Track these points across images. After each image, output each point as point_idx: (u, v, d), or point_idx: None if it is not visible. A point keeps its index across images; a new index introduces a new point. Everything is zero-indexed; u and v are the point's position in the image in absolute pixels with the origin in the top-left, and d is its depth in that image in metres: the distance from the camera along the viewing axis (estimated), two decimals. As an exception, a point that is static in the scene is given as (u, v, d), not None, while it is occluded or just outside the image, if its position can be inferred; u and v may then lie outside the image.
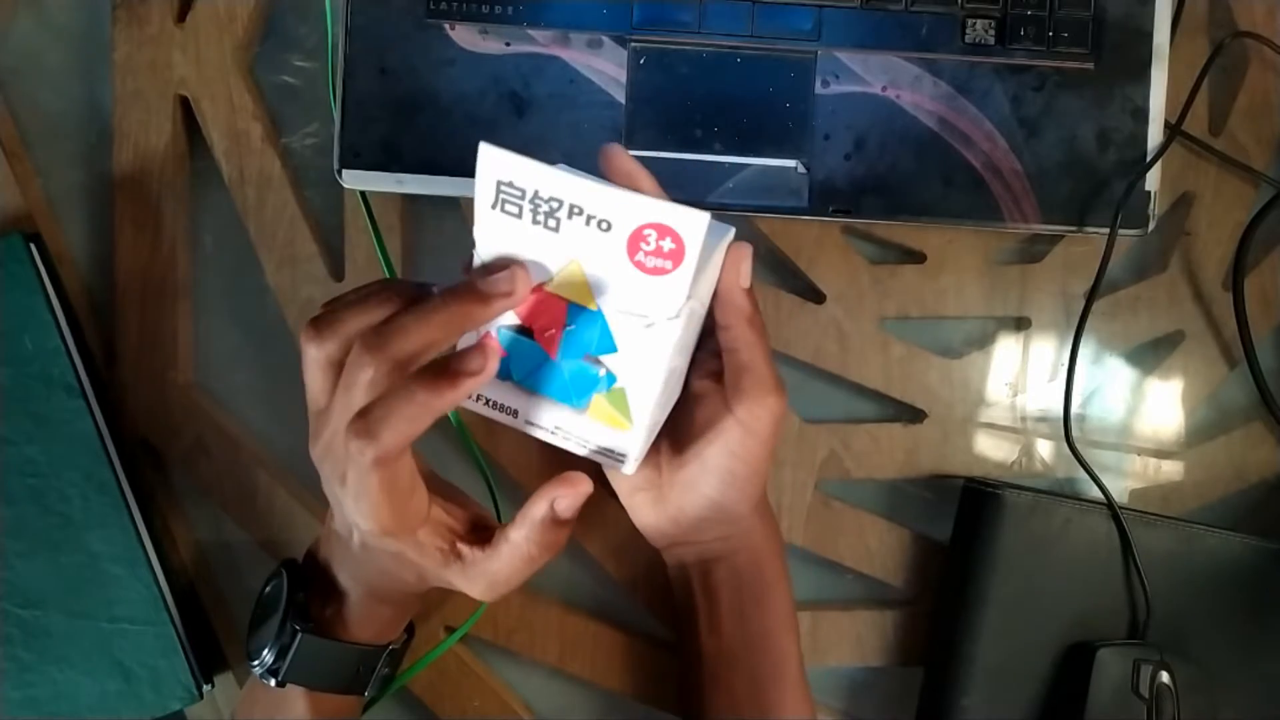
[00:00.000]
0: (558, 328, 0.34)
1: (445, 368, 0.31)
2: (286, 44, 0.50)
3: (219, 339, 0.50)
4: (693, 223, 0.30)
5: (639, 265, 0.31)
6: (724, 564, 0.42)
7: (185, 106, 0.49)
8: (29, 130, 0.50)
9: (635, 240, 0.31)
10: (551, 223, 0.31)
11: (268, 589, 0.41)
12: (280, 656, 0.38)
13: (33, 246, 0.47)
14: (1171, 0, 0.47)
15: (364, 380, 0.31)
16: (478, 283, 0.32)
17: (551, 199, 0.31)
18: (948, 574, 0.47)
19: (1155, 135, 0.47)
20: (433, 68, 0.46)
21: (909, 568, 0.49)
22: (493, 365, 0.31)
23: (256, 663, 0.38)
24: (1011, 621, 0.46)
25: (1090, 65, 0.47)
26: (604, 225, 0.31)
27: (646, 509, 0.41)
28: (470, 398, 0.35)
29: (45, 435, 0.46)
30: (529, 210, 0.31)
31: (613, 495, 0.49)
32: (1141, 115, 0.47)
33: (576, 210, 0.31)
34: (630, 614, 0.50)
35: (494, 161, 0.31)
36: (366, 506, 0.32)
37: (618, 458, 0.36)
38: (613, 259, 0.32)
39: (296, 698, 0.39)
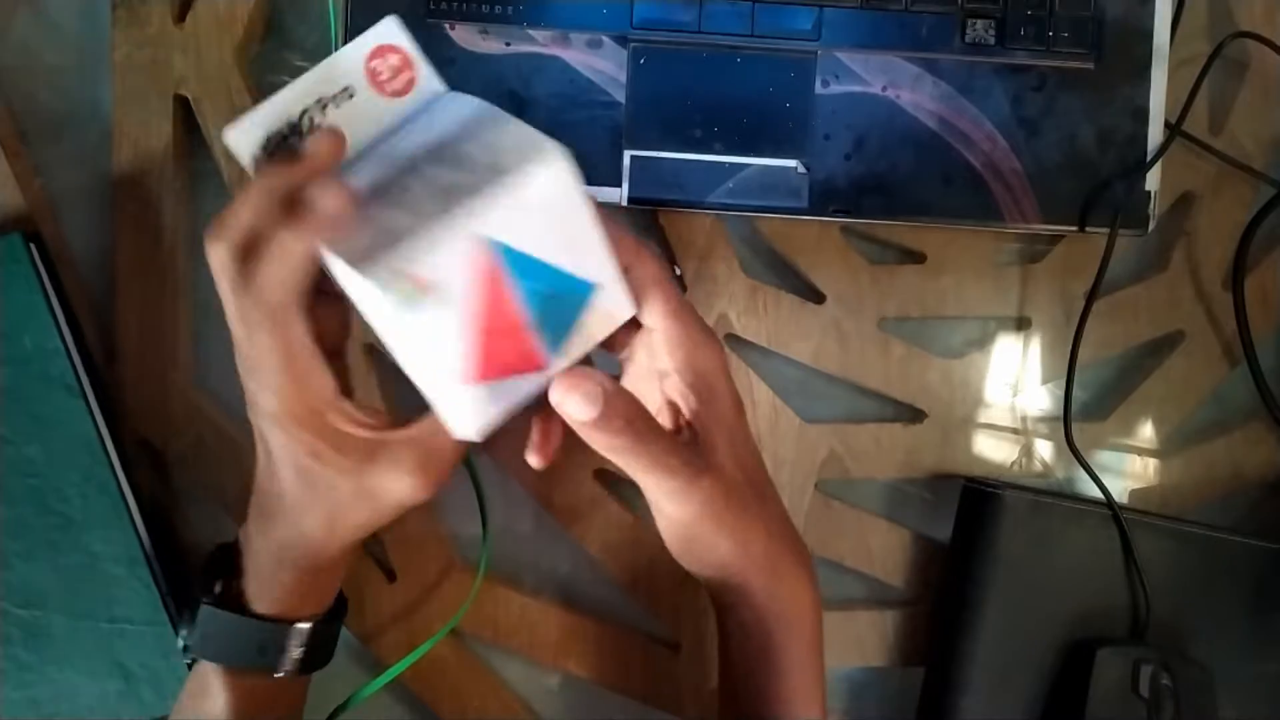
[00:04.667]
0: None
1: (301, 206, 0.31)
2: (286, 44, 0.50)
3: (219, 339, 0.50)
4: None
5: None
6: (732, 616, 0.39)
7: (185, 106, 0.49)
8: (29, 130, 0.50)
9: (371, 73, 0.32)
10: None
11: None
12: (191, 632, 0.38)
13: (32, 246, 0.47)
14: (1171, 0, 0.47)
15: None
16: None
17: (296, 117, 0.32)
18: (948, 574, 0.47)
19: (1155, 135, 0.47)
20: (432, 68, 0.46)
21: (909, 568, 0.49)
22: (344, 203, 0.31)
23: (180, 640, 0.38)
24: (1011, 621, 0.46)
25: (1090, 65, 0.47)
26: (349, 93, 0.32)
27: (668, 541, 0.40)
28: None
29: (45, 435, 0.46)
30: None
31: (613, 497, 0.49)
32: (1141, 115, 0.47)
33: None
34: (630, 614, 0.50)
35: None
36: (266, 377, 0.33)
37: None
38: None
39: (211, 676, 0.38)
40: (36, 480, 0.46)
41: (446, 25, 0.46)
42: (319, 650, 0.40)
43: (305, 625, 0.38)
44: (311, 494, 0.35)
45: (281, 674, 0.38)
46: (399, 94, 0.33)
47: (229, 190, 0.49)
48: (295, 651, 0.38)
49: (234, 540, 0.39)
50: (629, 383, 0.38)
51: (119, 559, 0.46)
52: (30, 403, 0.46)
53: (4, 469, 0.46)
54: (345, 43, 0.46)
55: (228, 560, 0.39)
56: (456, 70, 0.46)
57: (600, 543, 0.49)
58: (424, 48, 0.47)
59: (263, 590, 0.38)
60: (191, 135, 0.49)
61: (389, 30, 0.32)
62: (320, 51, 0.49)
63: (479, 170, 0.30)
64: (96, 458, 0.46)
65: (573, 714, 0.50)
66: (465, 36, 0.46)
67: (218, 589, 0.38)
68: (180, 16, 0.49)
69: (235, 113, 0.48)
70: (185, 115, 0.49)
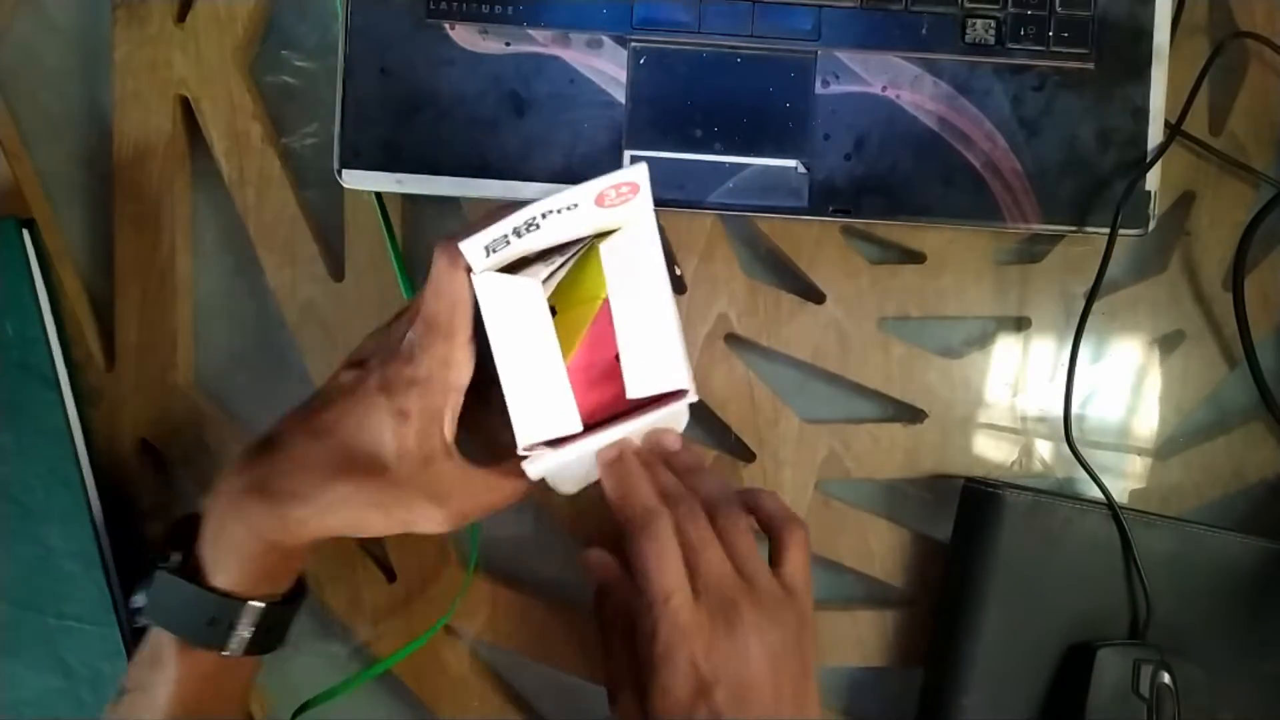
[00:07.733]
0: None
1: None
2: (286, 44, 0.50)
3: (219, 339, 0.50)
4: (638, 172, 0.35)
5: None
6: None
7: (185, 106, 0.49)
8: (29, 130, 0.50)
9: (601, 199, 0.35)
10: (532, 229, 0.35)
11: None
12: (145, 597, 0.38)
13: (25, 232, 0.46)
14: (1171, 0, 0.47)
15: None
16: None
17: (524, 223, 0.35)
18: (948, 574, 0.47)
19: (1155, 135, 0.47)
20: (433, 68, 0.46)
21: (909, 568, 0.49)
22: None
23: (133, 603, 0.39)
24: (1011, 621, 0.46)
25: (1090, 65, 0.47)
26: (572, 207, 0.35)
27: None
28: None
29: (15, 423, 0.45)
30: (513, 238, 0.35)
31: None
32: (1141, 115, 0.47)
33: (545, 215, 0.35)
34: (630, 614, 0.50)
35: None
36: (440, 342, 0.36)
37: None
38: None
39: (164, 645, 0.38)
40: (1, 467, 0.45)
41: (446, 25, 0.46)
42: (270, 632, 0.39)
43: (258, 604, 0.38)
44: (343, 474, 0.36)
45: (228, 653, 0.38)
46: (611, 206, 0.36)
47: (229, 190, 0.49)
48: (245, 630, 0.38)
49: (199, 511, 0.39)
50: None
51: (75, 556, 0.45)
52: (4, 389, 0.45)
53: (-33, 450, 0.45)
54: (348, 41, 0.47)
55: (191, 531, 0.38)
56: (456, 70, 0.46)
57: (600, 543, 0.49)
58: (424, 48, 0.47)
59: (220, 562, 0.37)
60: (191, 135, 0.49)
61: (639, 174, 0.35)
62: (320, 52, 0.49)
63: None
64: (64, 451, 0.46)
65: (572, 714, 0.50)
66: (465, 36, 0.46)
67: (177, 557, 0.38)
68: (180, 16, 0.49)
69: (235, 113, 0.49)
70: (185, 115, 0.49)
